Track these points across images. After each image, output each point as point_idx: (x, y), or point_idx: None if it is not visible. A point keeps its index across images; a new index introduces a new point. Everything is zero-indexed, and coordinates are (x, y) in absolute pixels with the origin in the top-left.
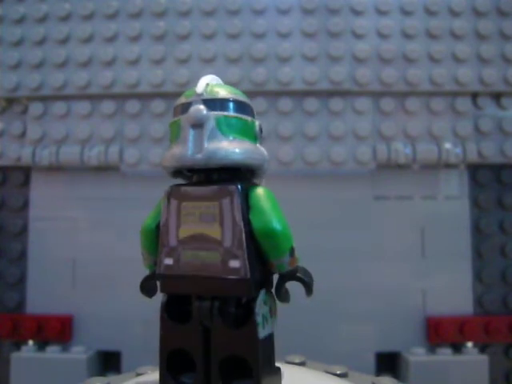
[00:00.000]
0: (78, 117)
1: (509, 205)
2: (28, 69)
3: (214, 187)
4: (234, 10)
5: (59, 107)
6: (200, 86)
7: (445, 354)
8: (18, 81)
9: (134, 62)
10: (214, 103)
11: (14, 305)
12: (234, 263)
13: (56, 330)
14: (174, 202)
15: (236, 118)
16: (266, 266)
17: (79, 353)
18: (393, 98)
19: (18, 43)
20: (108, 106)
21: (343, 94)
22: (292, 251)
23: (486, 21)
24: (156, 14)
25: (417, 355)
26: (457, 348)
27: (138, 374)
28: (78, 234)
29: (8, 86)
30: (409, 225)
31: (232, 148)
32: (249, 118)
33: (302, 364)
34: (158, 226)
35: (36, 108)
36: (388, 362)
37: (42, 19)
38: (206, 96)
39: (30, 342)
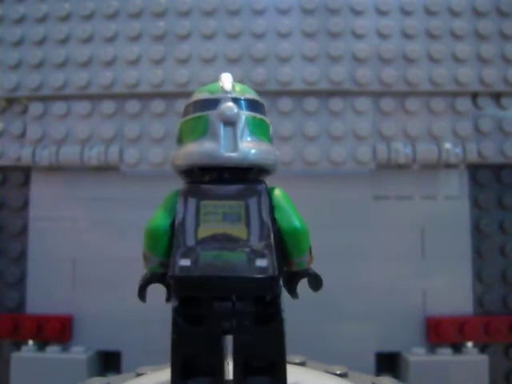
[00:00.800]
0: (78, 117)
1: (509, 205)
2: (28, 69)
3: (240, 186)
4: (233, 10)
5: (59, 107)
6: (227, 84)
7: (445, 354)
8: (18, 81)
9: (134, 62)
10: (241, 102)
11: (14, 305)
12: (262, 262)
13: (56, 330)
14: (191, 201)
15: (260, 118)
16: (284, 264)
17: (79, 353)
18: (393, 98)
19: (18, 43)
20: (108, 106)
21: (343, 93)
22: (310, 250)
23: (486, 21)
24: (156, 14)
25: (417, 355)
26: (457, 348)
27: (138, 374)
28: (78, 234)
29: (8, 86)
30: (409, 225)
31: (261, 149)
32: (267, 119)
33: (302, 364)
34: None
35: (36, 108)
36: (388, 362)
37: (42, 19)
38: (234, 94)
39: (30, 342)
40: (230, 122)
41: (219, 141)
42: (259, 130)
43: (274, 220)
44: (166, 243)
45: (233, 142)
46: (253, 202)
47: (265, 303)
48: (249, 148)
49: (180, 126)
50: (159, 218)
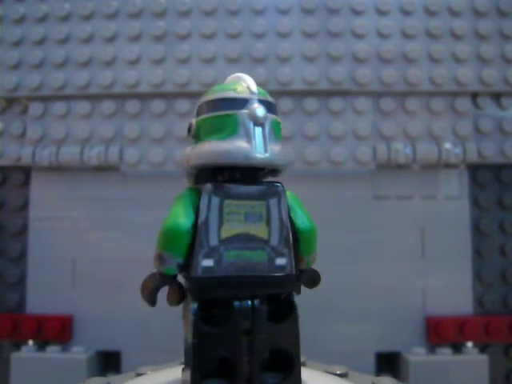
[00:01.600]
0: (78, 117)
1: (509, 205)
2: (28, 69)
3: (262, 187)
4: (233, 10)
5: (59, 107)
6: (253, 85)
7: (445, 354)
8: (18, 81)
9: (134, 62)
10: (266, 104)
11: (14, 305)
12: (281, 261)
13: (56, 330)
14: (215, 200)
15: (279, 122)
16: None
17: (79, 353)
18: (393, 98)
19: (18, 43)
20: (108, 106)
21: (343, 93)
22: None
23: (486, 21)
24: (156, 14)
25: (417, 355)
26: (457, 348)
27: (138, 374)
28: (78, 234)
29: (8, 86)
30: (409, 225)
31: (284, 151)
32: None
33: (301, 364)
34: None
35: (36, 108)
36: (388, 362)
37: (42, 19)
38: (260, 96)
39: (30, 342)
40: (260, 123)
41: (252, 141)
42: (279, 132)
43: (289, 220)
44: (187, 243)
45: (263, 143)
46: (273, 202)
47: (279, 301)
48: (275, 150)
49: (199, 123)
50: (180, 217)
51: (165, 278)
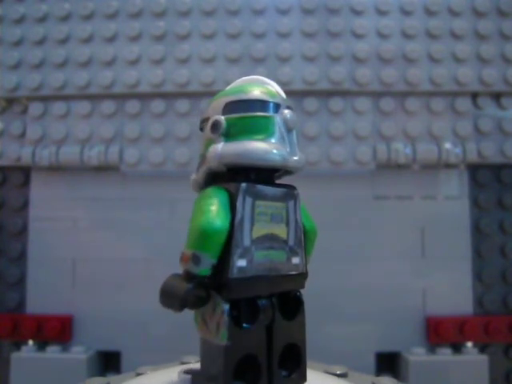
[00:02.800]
0: (78, 117)
1: (509, 205)
2: (28, 69)
3: (283, 189)
4: (233, 10)
5: (59, 107)
6: (280, 90)
7: (445, 354)
8: (18, 81)
9: (134, 62)
10: (291, 110)
11: (14, 305)
12: (296, 260)
13: (56, 330)
14: (248, 200)
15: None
16: None
17: (79, 353)
18: (393, 98)
19: (18, 43)
20: (108, 106)
21: (343, 93)
22: None
23: (486, 21)
24: (156, 14)
25: (417, 355)
26: (457, 348)
27: (138, 374)
28: (77, 234)
29: (8, 86)
30: (409, 225)
31: (301, 154)
32: None
33: None
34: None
35: (36, 108)
36: (388, 362)
37: (42, 19)
38: (287, 102)
39: (30, 342)
40: (292, 128)
41: (286, 145)
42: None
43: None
44: (222, 243)
45: (295, 148)
46: (291, 204)
47: (288, 298)
48: (302, 154)
49: (230, 121)
50: (217, 216)
51: (197, 280)
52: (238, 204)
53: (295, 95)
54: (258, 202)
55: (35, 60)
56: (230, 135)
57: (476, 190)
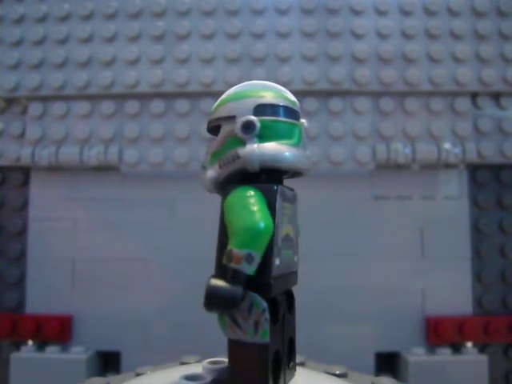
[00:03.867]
0: (78, 117)
1: (508, 205)
2: (27, 69)
3: (293, 192)
4: (233, 10)
5: (59, 107)
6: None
7: (444, 354)
8: (18, 81)
9: (134, 62)
10: None
11: (14, 305)
12: (296, 257)
13: (55, 330)
14: (279, 201)
15: None
16: None
17: (79, 353)
18: (392, 98)
19: (18, 43)
20: (107, 106)
21: (342, 94)
22: None
23: (486, 21)
24: (155, 14)
25: (416, 355)
26: (456, 348)
27: (138, 374)
28: (77, 234)
29: (8, 86)
30: (408, 225)
31: None
32: None
33: (301, 364)
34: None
35: (35, 108)
36: (387, 362)
37: (42, 19)
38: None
39: (30, 342)
40: (307, 137)
41: (307, 152)
42: None
43: None
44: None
45: (306, 152)
46: (295, 205)
47: (286, 293)
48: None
49: (265, 123)
50: (267, 217)
51: (244, 280)
52: (278, 205)
53: (295, 95)
54: (284, 204)
55: (35, 60)
56: (262, 137)
57: (475, 190)
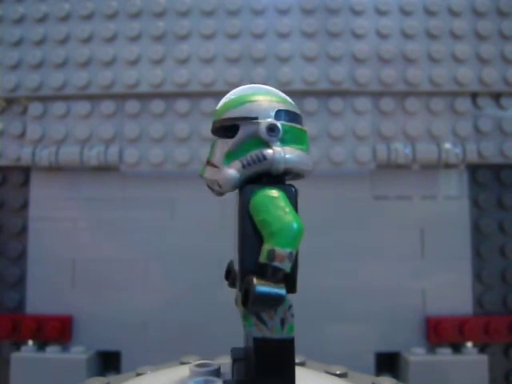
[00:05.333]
0: (78, 117)
1: (508, 205)
2: (27, 69)
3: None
4: (233, 10)
5: (59, 107)
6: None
7: (444, 354)
8: (18, 81)
9: (134, 62)
10: None
11: (14, 305)
12: None
13: (56, 330)
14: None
15: None
16: None
17: (79, 353)
18: (392, 98)
19: (18, 43)
20: (107, 106)
21: (343, 94)
22: None
23: (486, 21)
24: (155, 14)
25: (416, 355)
26: (456, 348)
27: (138, 374)
28: (77, 234)
29: (7, 86)
30: (408, 225)
31: None
32: None
33: (301, 364)
34: None
35: (35, 108)
36: (388, 362)
37: (42, 19)
38: None
39: (30, 342)
40: None
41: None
42: None
43: None
44: None
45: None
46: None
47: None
48: None
49: (285, 128)
50: (299, 218)
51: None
52: (297, 206)
53: (295, 95)
54: None
55: (35, 60)
56: (283, 141)
57: (476, 190)
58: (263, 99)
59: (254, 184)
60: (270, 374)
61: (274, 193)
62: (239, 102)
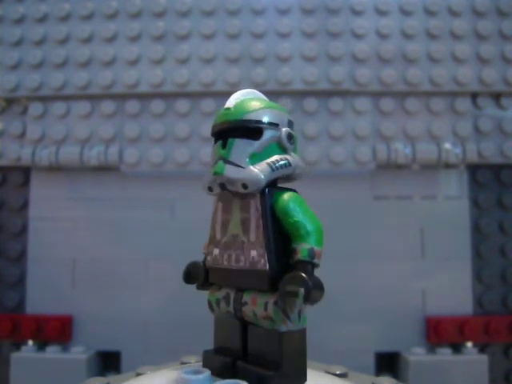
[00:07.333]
0: (78, 117)
1: (508, 205)
2: (28, 69)
3: None
4: (233, 10)
5: (59, 107)
6: None
7: (444, 354)
8: (18, 81)
9: (134, 62)
10: None
11: (14, 305)
12: None
13: (56, 330)
14: None
15: None
16: None
17: (79, 353)
18: (392, 98)
19: (18, 43)
20: (108, 106)
21: (343, 94)
22: None
23: (486, 21)
24: (155, 14)
25: (416, 355)
26: (456, 348)
27: (138, 374)
28: (77, 234)
29: (8, 86)
30: (408, 225)
31: None
32: None
33: None
34: None
35: (36, 108)
36: (388, 362)
37: (42, 19)
38: None
39: (30, 342)
40: None
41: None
42: None
43: None
44: None
45: None
46: None
47: None
48: None
49: (295, 136)
50: None
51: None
52: None
53: (295, 95)
54: None
55: (35, 60)
56: (294, 149)
57: (476, 190)
58: (275, 106)
59: (273, 187)
60: (295, 363)
61: (298, 196)
62: (262, 106)
